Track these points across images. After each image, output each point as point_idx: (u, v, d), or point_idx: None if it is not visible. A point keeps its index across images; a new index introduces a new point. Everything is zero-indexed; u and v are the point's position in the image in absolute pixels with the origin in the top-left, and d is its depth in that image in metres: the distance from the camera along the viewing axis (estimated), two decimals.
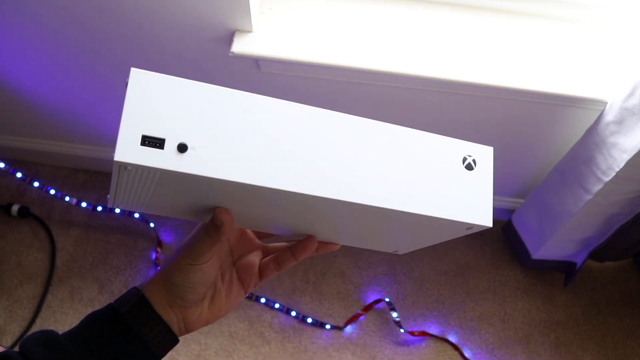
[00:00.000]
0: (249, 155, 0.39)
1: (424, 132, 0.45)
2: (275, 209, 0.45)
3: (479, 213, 0.45)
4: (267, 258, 0.53)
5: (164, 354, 0.47)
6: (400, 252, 0.61)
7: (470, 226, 0.46)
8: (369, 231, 0.51)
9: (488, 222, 0.46)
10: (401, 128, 0.44)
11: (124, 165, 0.37)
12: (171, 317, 0.47)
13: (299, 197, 0.40)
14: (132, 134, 0.37)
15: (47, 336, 0.45)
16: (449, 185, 0.45)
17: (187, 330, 0.49)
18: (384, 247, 0.59)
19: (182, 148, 0.38)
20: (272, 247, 0.54)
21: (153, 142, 0.37)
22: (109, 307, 0.46)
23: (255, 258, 0.53)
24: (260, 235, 0.55)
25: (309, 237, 0.50)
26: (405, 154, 0.44)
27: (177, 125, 0.38)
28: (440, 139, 0.46)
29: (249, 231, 0.54)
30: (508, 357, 1.40)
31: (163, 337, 0.46)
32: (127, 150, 0.37)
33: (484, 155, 0.48)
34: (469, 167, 0.46)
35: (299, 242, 0.51)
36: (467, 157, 0.46)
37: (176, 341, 0.48)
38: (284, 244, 0.53)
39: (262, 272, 0.53)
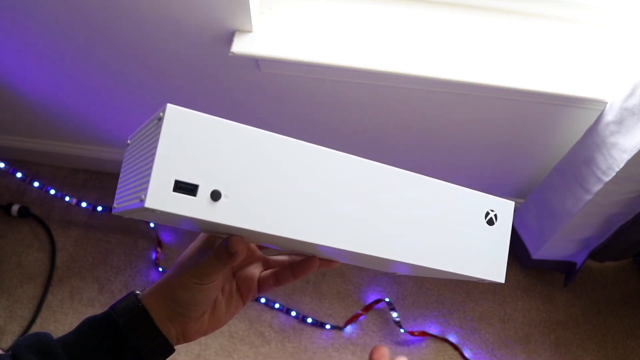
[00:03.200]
0: (282, 205, 0.38)
1: (450, 184, 0.45)
2: (289, 242, 0.44)
3: (494, 269, 0.46)
4: (266, 272, 0.52)
5: None
6: (398, 273, 0.61)
7: (483, 280, 0.46)
8: (375, 261, 0.51)
9: (501, 278, 0.46)
10: (430, 180, 0.44)
11: (151, 209, 0.35)
12: (170, 331, 0.47)
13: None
14: (165, 179, 0.35)
15: (41, 343, 0.44)
16: (469, 239, 0.45)
17: (185, 341, 0.48)
18: (385, 269, 0.59)
19: (215, 196, 0.36)
20: (272, 261, 0.53)
21: (186, 188, 0.35)
22: (107, 316, 0.45)
23: (255, 270, 0.52)
24: (261, 245, 0.55)
25: (310, 258, 0.49)
26: (430, 206, 0.44)
27: (212, 171, 0.36)
28: (466, 191, 0.45)
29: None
30: (508, 357, 1.40)
31: (160, 349, 0.46)
32: (159, 196, 0.35)
33: (506, 210, 0.47)
34: (490, 222, 0.46)
35: (301, 263, 0.50)
36: (490, 211, 0.46)
37: (172, 351, 0.47)
38: (285, 258, 0.53)
39: (260, 286, 0.52)
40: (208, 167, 0.36)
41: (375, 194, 0.42)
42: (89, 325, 0.46)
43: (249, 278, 0.52)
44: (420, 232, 0.43)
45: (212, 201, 0.36)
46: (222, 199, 0.36)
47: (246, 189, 0.37)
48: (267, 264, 0.54)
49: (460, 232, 0.45)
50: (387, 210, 0.42)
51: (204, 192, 0.36)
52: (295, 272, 0.50)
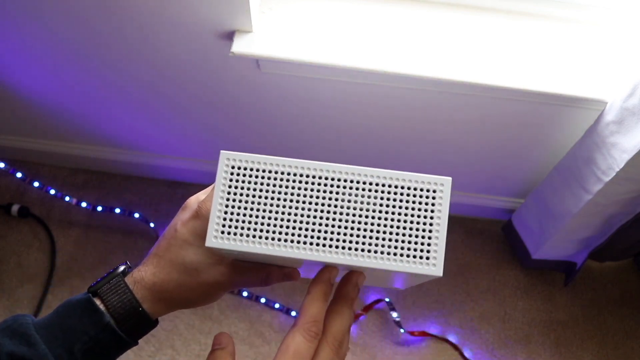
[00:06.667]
0: None
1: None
2: None
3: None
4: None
5: (138, 337, 0.47)
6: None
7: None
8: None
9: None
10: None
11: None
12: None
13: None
14: None
15: (17, 325, 0.44)
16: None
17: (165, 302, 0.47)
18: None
19: None
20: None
21: None
22: (85, 295, 0.46)
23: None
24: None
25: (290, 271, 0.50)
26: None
27: None
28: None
29: None
30: (508, 357, 1.40)
31: (130, 310, 0.46)
32: None
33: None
34: None
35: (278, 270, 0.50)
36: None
37: (147, 319, 0.47)
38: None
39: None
40: None
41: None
42: (65, 306, 0.45)
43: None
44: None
45: None
46: None
47: None
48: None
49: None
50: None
51: None
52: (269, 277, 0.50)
